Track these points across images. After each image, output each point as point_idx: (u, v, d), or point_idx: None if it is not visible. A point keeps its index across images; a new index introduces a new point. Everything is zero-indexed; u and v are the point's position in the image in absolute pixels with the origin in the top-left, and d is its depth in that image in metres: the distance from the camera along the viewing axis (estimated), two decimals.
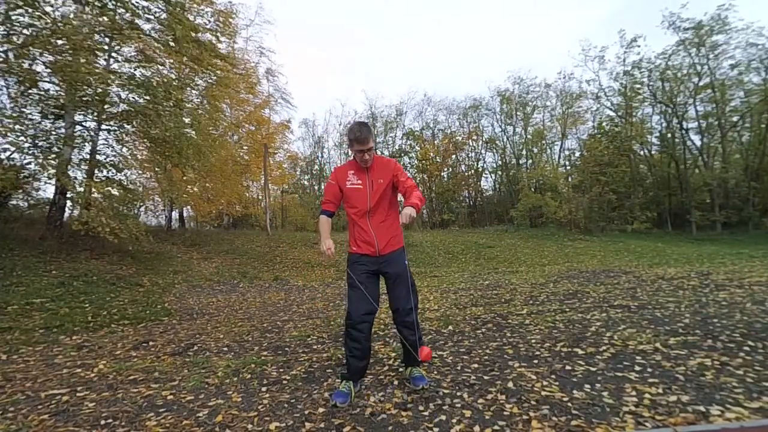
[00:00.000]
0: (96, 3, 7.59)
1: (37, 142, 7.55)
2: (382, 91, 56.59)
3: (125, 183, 9.38)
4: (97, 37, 8.08)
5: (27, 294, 5.43)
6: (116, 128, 9.24)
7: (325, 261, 2.06)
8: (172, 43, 8.71)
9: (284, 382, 2.51)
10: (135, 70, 9.14)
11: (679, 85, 21.94)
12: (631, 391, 2.06)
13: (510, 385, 2.23)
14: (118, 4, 8.02)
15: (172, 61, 10.01)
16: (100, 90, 7.96)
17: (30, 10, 6.71)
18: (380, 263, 2.24)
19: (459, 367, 2.58)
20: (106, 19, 7.76)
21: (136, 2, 8.23)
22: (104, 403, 2.29)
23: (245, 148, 17.45)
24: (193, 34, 8.94)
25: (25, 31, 6.83)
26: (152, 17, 8.36)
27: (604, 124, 23.40)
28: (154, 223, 17.22)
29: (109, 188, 8.40)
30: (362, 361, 2.23)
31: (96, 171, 8.72)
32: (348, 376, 2.23)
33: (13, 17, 6.66)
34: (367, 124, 2.24)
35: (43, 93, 7.84)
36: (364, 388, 2.30)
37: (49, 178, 8.52)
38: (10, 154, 8.04)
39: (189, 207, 16.38)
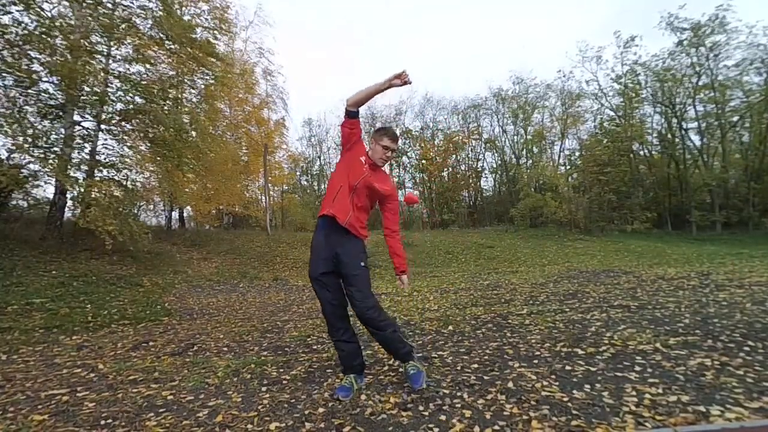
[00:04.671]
0: (90, 1, 7.58)
1: (37, 142, 7.55)
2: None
3: (125, 183, 9.38)
4: (94, 37, 8.09)
5: (27, 294, 5.43)
6: (115, 128, 9.24)
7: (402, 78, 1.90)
8: (168, 42, 8.71)
9: (284, 382, 2.51)
10: (132, 67, 9.13)
11: (678, 85, 21.93)
12: (631, 391, 2.06)
13: (510, 385, 2.23)
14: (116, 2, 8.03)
15: (170, 60, 10.01)
16: (98, 90, 7.95)
17: (24, 9, 6.70)
18: (338, 245, 2.18)
19: (459, 367, 2.58)
20: (101, 17, 7.76)
21: (131, 1, 8.25)
22: (104, 403, 2.29)
23: (245, 149, 17.46)
24: (188, 33, 8.93)
25: (17, 30, 6.81)
26: (148, 14, 8.34)
27: (605, 123, 23.39)
28: (154, 223, 17.25)
29: (111, 188, 8.40)
30: (355, 359, 2.30)
31: (96, 171, 8.72)
32: (347, 372, 2.31)
33: (6, 17, 6.66)
34: None
35: (42, 93, 7.84)
36: (364, 388, 2.30)
37: (49, 178, 8.52)
38: (10, 154, 8.04)
39: (189, 207, 16.38)
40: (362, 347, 2.44)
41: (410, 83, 2.08)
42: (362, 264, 2.19)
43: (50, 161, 7.53)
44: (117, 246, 7.93)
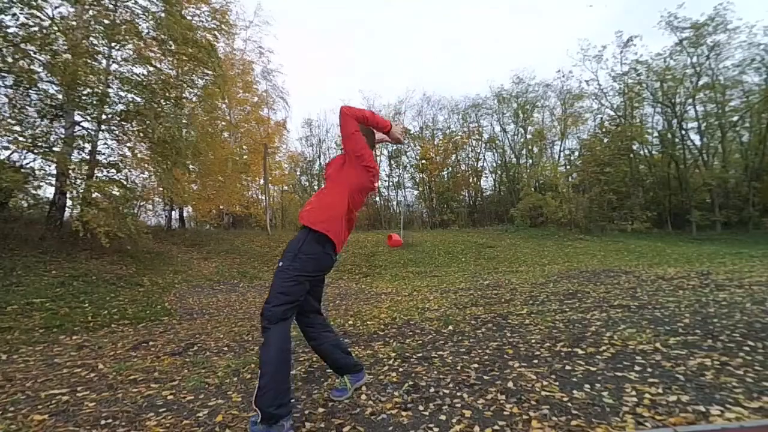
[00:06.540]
0: (92, 3, 7.58)
1: (37, 142, 7.54)
2: (379, 91, 56.68)
3: (125, 183, 9.37)
4: (94, 37, 8.09)
5: (27, 294, 5.43)
6: (115, 128, 9.24)
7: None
8: (170, 44, 8.71)
9: None
10: (132, 67, 9.12)
11: (678, 85, 21.92)
12: (631, 391, 2.06)
13: (510, 385, 2.23)
14: (118, 3, 8.02)
15: (171, 59, 10.01)
16: (98, 90, 7.95)
17: (24, 9, 6.69)
18: None
19: (459, 367, 2.58)
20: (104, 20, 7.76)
21: (134, 2, 8.24)
22: (104, 403, 2.29)
23: (245, 148, 17.46)
24: (189, 33, 8.91)
25: (19, 31, 6.81)
26: (149, 16, 8.34)
27: (606, 123, 23.38)
28: (154, 223, 17.23)
29: (110, 188, 8.39)
30: (338, 361, 2.16)
31: (96, 171, 8.71)
32: (338, 372, 2.23)
33: (7, 16, 6.65)
34: None
35: (42, 93, 7.84)
36: (364, 388, 2.30)
37: (50, 182, 8.51)
38: (10, 154, 8.04)
39: (189, 207, 16.38)
40: (347, 348, 2.28)
41: (402, 144, 2.24)
42: (280, 263, 1.94)
43: (50, 161, 7.53)
44: (117, 246, 7.92)
